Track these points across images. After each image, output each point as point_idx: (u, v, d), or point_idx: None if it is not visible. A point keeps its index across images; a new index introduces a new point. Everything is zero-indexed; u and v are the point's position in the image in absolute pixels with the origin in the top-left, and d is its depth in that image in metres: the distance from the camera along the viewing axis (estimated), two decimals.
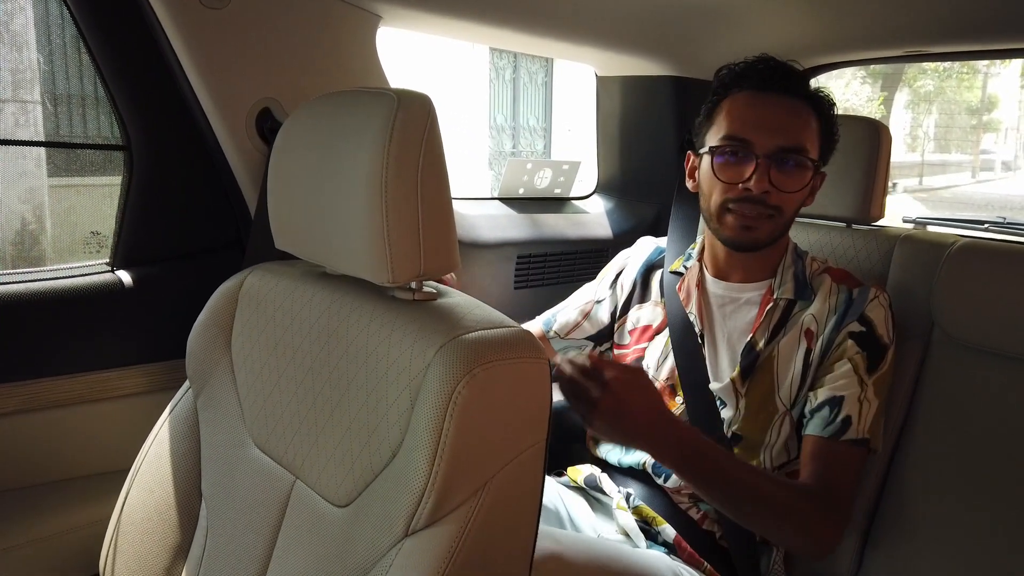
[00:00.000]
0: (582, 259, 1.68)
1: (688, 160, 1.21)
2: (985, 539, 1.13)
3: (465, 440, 0.67)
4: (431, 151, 0.74)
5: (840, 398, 1.06)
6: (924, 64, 11.17)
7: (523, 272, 1.58)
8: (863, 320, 1.10)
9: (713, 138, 1.12)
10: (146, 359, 1.15)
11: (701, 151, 1.15)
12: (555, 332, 1.36)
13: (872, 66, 9.12)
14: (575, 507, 1.20)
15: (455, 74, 7.11)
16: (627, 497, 1.17)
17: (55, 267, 1.11)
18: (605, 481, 1.20)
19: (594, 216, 1.76)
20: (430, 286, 0.84)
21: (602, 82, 1.71)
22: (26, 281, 1.06)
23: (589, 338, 1.34)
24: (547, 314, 1.40)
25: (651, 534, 1.13)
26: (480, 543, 0.69)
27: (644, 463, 1.18)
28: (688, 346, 1.18)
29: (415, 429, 0.68)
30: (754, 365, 1.12)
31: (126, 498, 0.97)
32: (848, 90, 11.58)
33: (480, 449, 0.69)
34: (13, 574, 1.04)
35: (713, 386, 1.14)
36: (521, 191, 1.68)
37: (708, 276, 1.22)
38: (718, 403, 1.14)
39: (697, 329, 1.18)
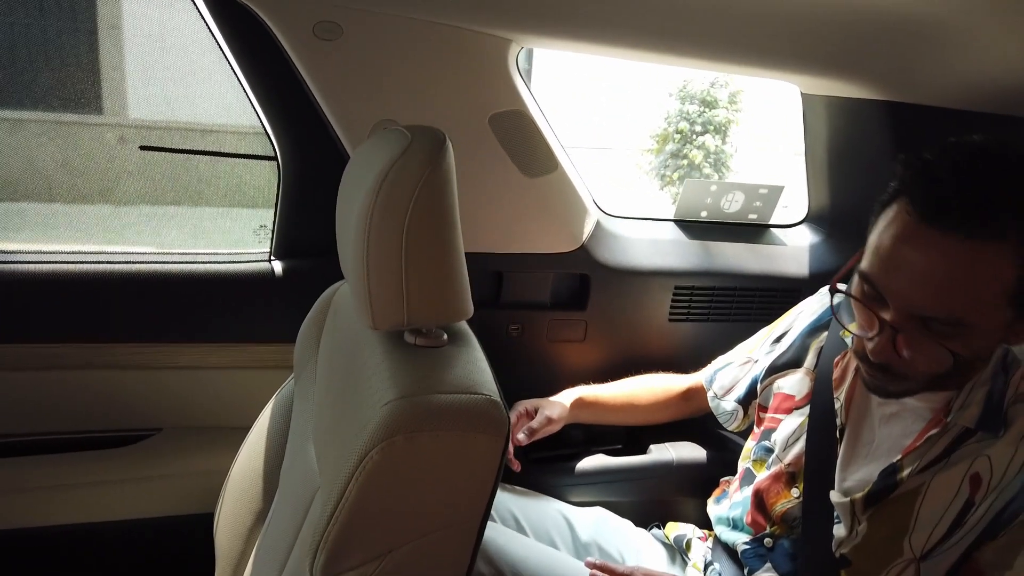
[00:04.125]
0: (761, 298, 1.48)
1: None
2: None
3: (363, 507, 0.65)
4: (430, 194, 0.71)
5: None
6: None
7: (681, 305, 1.44)
8: None
9: (865, 256, 0.84)
10: (284, 339, 1.30)
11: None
12: (714, 392, 1.25)
13: None
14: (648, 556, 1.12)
15: None
16: (707, 567, 1.06)
17: (229, 251, 1.30)
18: (695, 545, 1.12)
19: (792, 250, 1.53)
20: (450, 331, 0.82)
21: (807, 100, 1.46)
22: (202, 262, 1.26)
23: (738, 400, 1.20)
24: (712, 368, 1.28)
25: None
26: None
27: (740, 550, 1.03)
28: (822, 439, 0.99)
29: (331, 482, 0.68)
30: (888, 494, 0.89)
31: (237, 457, 1.12)
32: None
33: (383, 518, 0.66)
34: (153, 499, 1.27)
35: (833, 496, 0.94)
36: (704, 214, 1.53)
37: None
38: (835, 516, 0.94)
39: (838, 422, 0.98)
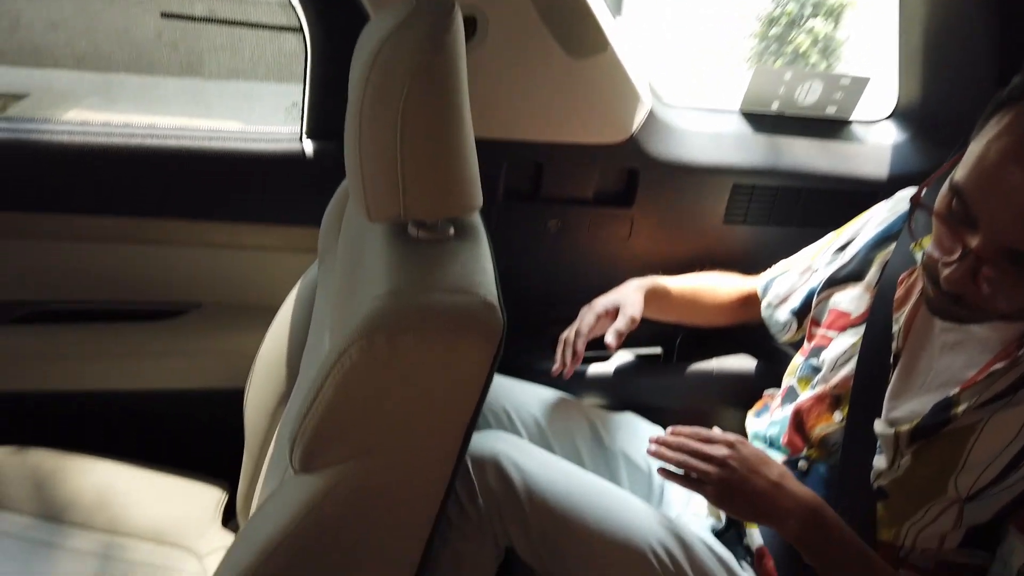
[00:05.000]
0: (831, 201, 1.34)
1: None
2: None
3: (339, 405, 0.61)
4: (429, 74, 0.63)
5: None
6: None
7: (739, 205, 1.32)
8: None
9: (962, 166, 0.72)
10: (315, 223, 1.26)
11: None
12: (768, 301, 1.15)
13: None
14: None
15: None
16: None
17: (262, 130, 1.25)
18: None
19: (872, 149, 1.37)
20: (458, 224, 0.76)
21: None
22: (235, 139, 1.22)
23: (793, 312, 1.11)
24: (769, 275, 1.19)
25: (736, 533, 0.97)
26: (350, 510, 0.64)
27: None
28: (875, 363, 0.89)
29: (312, 376, 0.64)
30: (938, 430, 0.80)
31: (265, 338, 1.12)
32: None
33: (360, 418, 0.62)
34: (189, 371, 1.29)
35: (877, 426, 0.85)
36: (775, 106, 1.38)
37: None
38: (877, 446, 0.86)
39: (894, 347, 0.88)
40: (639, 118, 1.23)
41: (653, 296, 1.17)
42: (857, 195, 1.33)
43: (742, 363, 1.29)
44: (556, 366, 1.09)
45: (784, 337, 1.14)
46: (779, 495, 0.83)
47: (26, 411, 1.24)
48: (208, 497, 1.16)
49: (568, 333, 1.12)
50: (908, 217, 0.80)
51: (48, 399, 1.25)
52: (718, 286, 1.24)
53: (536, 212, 1.27)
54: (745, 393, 1.24)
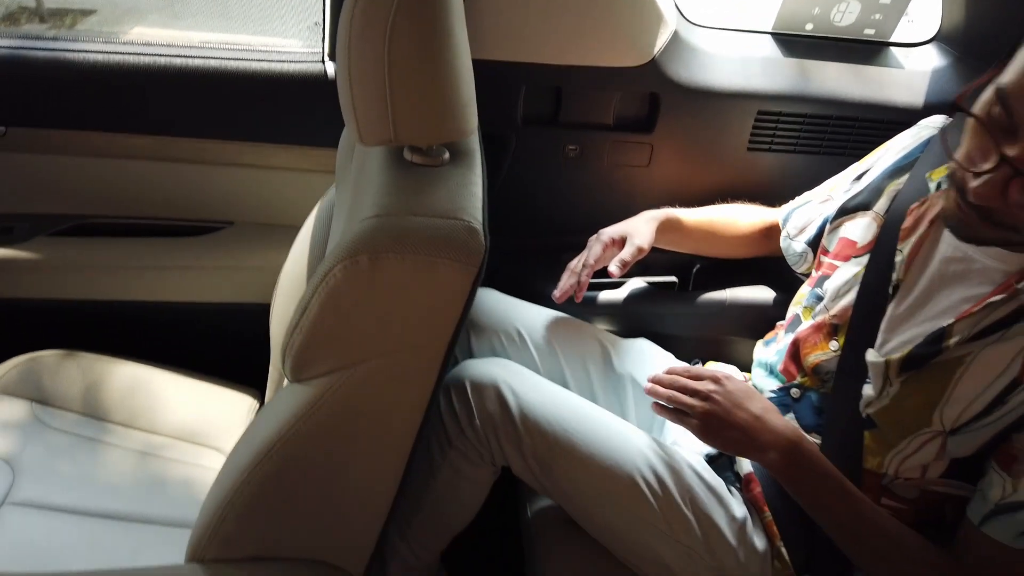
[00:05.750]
0: (862, 130, 1.30)
1: None
2: None
3: (325, 321, 0.65)
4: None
5: None
6: None
7: (764, 132, 1.29)
8: None
9: (1009, 71, 0.68)
10: (337, 145, 1.29)
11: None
12: (787, 232, 1.15)
13: None
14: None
15: None
16: None
17: (285, 50, 1.27)
18: None
19: (909, 75, 1.31)
20: (454, 149, 0.77)
21: None
22: (259, 60, 1.24)
23: (808, 242, 1.10)
24: (791, 205, 1.18)
25: (727, 459, 1.01)
26: (339, 418, 0.69)
27: (766, 397, 1.00)
28: (875, 294, 0.90)
29: (305, 292, 0.68)
30: (927, 361, 0.81)
31: (288, 254, 1.17)
32: None
33: (344, 333, 0.66)
34: (224, 286, 1.36)
35: (869, 355, 0.86)
36: (809, 27, 1.32)
37: None
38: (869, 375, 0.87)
39: (894, 277, 0.88)
40: (662, 40, 1.20)
41: (667, 227, 1.17)
42: (889, 124, 1.28)
43: (758, 294, 1.29)
44: (557, 292, 1.11)
45: (801, 268, 1.14)
46: (761, 428, 0.86)
47: (73, 318, 1.33)
48: (240, 403, 1.24)
49: (575, 262, 1.14)
50: (941, 134, 0.77)
51: (92, 307, 1.33)
52: (737, 218, 1.23)
53: (555, 137, 1.27)
54: (760, 323, 1.25)
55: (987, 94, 0.70)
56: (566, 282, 1.12)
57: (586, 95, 1.23)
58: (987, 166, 0.68)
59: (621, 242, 1.13)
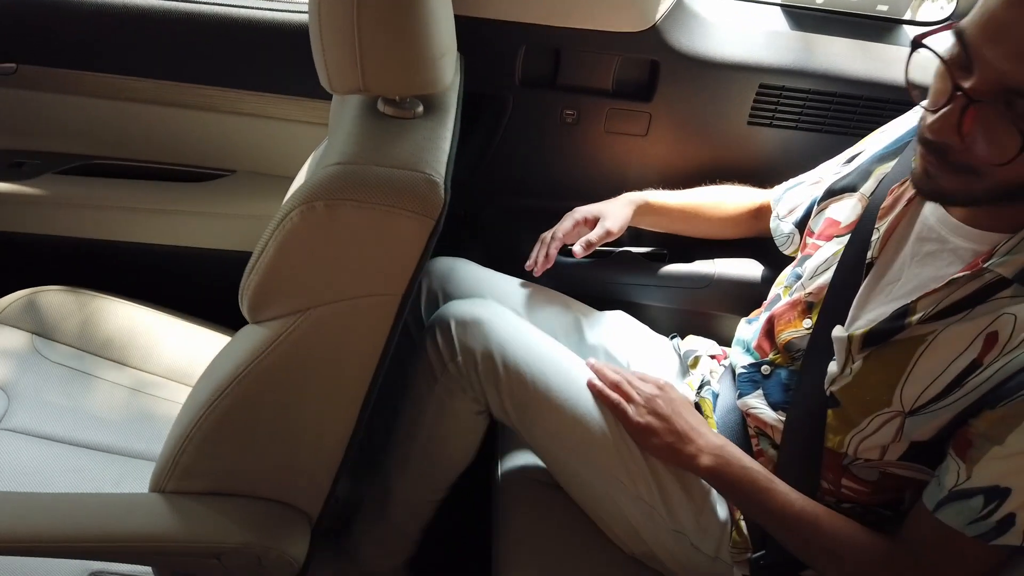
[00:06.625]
0: (866, 108, 1.28)
1: None
2: None
3: (280, 264, 0.67)
4: None
5: (1006, 491, 0.72)
6: None
7: (766, 106, 1.28)
8: None
9: (969, 15, 0.68)
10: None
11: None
12: (777, 213, 1.15)
13: None
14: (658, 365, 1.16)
15: None
16: (702, 385, 1.10)
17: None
18: (703, 361, 1.14)
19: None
20: (429, 102, 0.78)
21: None
22: (260, 8, 1.25)
23: (795, 223, 1.10)
24: (784, 186, 1.18)
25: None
26: (293, 361, 0.72)
27: (737, 373, 1.01)
28: (850, 272, 0.90)
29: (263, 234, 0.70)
30: (889, 338, 0.81)
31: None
32: None
33: (299, 277, 0.69)
34: (225, 233, 1.39)
35: (834, 331, 0.86)
36: (820, 1, 1.29)
37: None
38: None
39: (869, 255, 0.87)
40: (665, 5, 1.19)
41: (646, 210, 1.19)
42: (896, 103, 1.26)
43: (747, 269, 1.29)
44: (528, 263, 1.13)
45: (788, 250, 1.13)
46: (694, 436, 0.93)
47: (76, 256, 1.37)
48: None
49: (546, 234, 1.16)
50: (907, 61, 0.76)
51: (96, 246, 1.37)
52: (724, 199, 1.23)
53: (553, 101, 1.27)
54: (747, 300, 1.25)
55: (948, 34, 0.70)
56: (536, 252, 1.14)
57: (586, 59, 1.23)
58: (943, 102, 0.68)
59: (594, 222, 1.15)
